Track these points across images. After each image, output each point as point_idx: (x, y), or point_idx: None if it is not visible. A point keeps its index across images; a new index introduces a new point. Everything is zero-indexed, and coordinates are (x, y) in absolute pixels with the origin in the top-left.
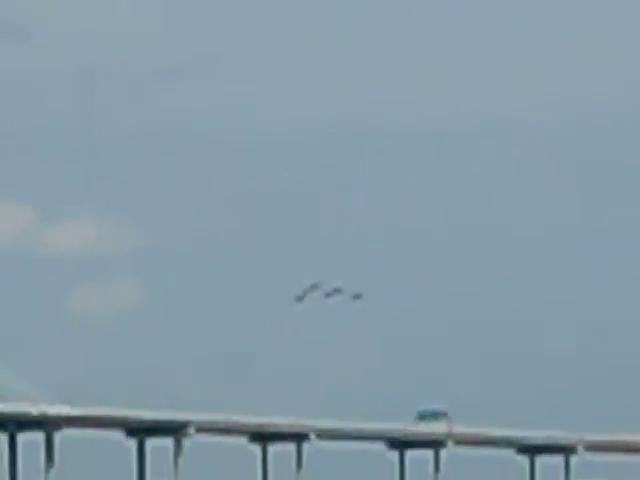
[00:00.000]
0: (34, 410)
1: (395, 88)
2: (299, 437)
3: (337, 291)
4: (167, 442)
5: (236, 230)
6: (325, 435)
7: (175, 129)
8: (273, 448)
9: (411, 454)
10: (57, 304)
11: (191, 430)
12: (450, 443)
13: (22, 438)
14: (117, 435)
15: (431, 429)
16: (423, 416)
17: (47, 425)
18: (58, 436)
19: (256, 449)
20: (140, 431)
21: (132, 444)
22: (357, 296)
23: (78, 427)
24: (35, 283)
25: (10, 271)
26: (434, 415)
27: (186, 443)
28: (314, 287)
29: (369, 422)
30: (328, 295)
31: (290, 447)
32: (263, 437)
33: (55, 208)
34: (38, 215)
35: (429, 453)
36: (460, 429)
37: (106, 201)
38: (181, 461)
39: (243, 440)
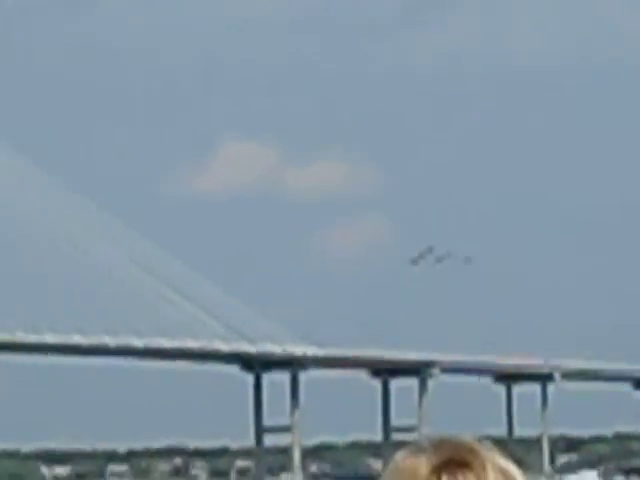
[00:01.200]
0: (280, 350)
1: None
2: (544, 378)
3: (449, 254)
4: (412, 382)
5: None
6: (571, 376)
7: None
8: (517, 388)
9: None
10: (302, 245)
11: (436, 370)
12: None
13: (267, 378)
14: (362, 375)
15: None
16: None
17: (292, 365)
18: (303, 376)
19: (501, 389)
20: (384, 371)
21: (377, 384)
22: (467, 260)
23: (323, 367)
24: (279, 224)
25: (254, 213)
26: None
27: (430, 383)
28: (428, 250)
29: (614, 363)
30: (439, 259)
31: (534, 387)
32: (508, 377)
33: (298, 149)
34: (281, 156)
35: None
36: None
37: (349, 141)
38: (425, 401)
39: (487, 380)
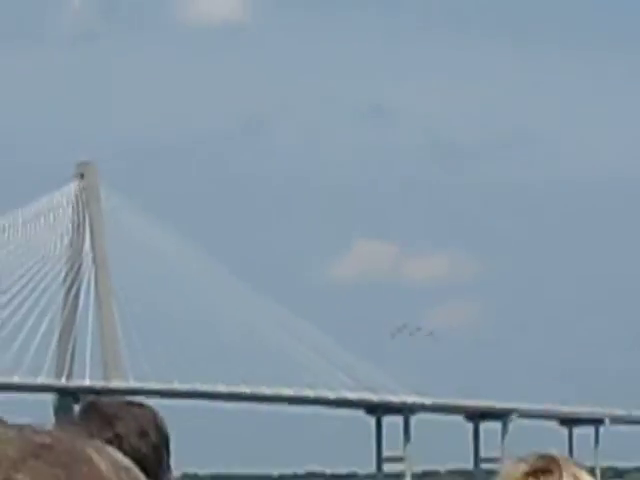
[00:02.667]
0: (396, 399)
1: None
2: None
3: (418, 329)
4: (496, 425)
5: None
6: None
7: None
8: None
9: None
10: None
11: (515, 416)
12: None
13: (386, 420)
14: (458, 419)
15: None
16: None
17: (405, 411)
18: (413, 419)
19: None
20: (476, 416)
21: (469, 426)
22: (430, 333)
23: (429, 412)
24: (397, 306)
25: (378, 296)
26: None
27: (511, 426)
28: (404, 326)
29: None
30: (412, 334)
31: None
32: (570, 421)
33: (414, 245)
34: (400, 251)
35: None
36: None
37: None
38: (506, 439)
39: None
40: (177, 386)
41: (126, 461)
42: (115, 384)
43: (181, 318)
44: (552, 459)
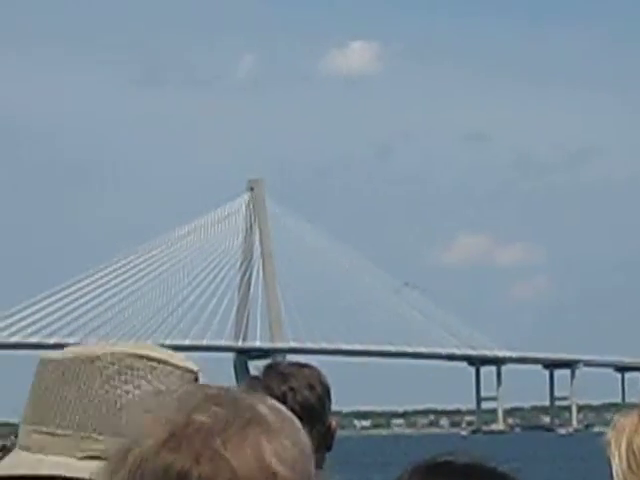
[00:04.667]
0: (490, 353)
1: None
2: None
3: (415, 287)
4: (566, 372)
5: None
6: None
7: None
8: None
9: None
10: (503, 296)
11: (581, 365)
12: None
13: (483, 369)
14: (537, 368)
15: None
16: None
17: (497, 362)
18: (504, 369)
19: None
20: (551, 365)
21: (546, 373)
22: (424, 290)
23: (514, 363)
24: (491, 284)
25: (476, 278)
26: None
27: (577, 373)
28: (406, 284)
29: None
30: (411, 289)
31: None
32: (623, 369)
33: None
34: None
35: None
36: None
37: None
38: (575, 382)
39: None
40: (325, 345)
41: (279, 405)
42: (278, 345)
43: (327, 295)
44: None
